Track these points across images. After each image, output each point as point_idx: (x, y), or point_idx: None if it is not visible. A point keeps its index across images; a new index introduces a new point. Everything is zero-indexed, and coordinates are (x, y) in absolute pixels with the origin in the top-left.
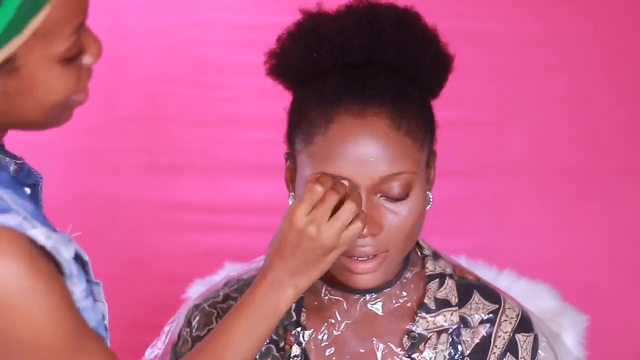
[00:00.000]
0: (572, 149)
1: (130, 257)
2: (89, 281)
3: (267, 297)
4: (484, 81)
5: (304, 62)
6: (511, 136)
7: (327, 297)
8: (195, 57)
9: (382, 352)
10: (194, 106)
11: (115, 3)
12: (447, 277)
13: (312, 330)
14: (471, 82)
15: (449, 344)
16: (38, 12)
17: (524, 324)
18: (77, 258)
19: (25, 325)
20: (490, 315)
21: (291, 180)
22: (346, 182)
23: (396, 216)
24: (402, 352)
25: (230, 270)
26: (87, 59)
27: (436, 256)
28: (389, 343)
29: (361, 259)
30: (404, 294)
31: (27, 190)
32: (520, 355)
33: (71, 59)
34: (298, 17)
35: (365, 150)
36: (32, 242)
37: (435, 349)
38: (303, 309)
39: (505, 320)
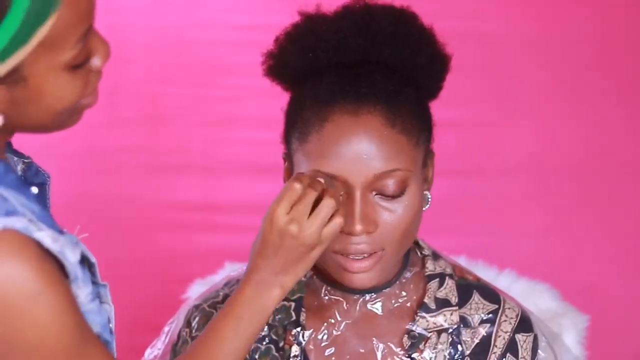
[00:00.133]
0: (572, 148)
1: (131, 257)
2: (95, 283)
3: (254, 299)
4: (484, 81)
5: (301, 62)
6: (511, 136)
7: (327, 297)
8: (195, 57)
9: (382, 352)
10: (194, 106)
11: (115, 3)
12: (447, 277)
13: (311, 330)
14: (471, 82)
15: (449, 344)
16: (44, 22)
17: (524, 324)
18: (84, 260)
19: (30, 329)
20: (490, 315)
21: (285, 182)
22: (337, 182)
23: (391, 214)
24: (402, 352)
25: (231, 270)
26: (95, 62)
27: (436, 256)
28: (388, 343)
29: (357, 257)
30: (404, 293)
31: (35, 189)
32: (520, 355)
33: (79, 66)
34: (297, 18)
35: (359, 147)
36: (38, 245)
37: (435, 348)
38: (303, 309)
39: (505, 321)
